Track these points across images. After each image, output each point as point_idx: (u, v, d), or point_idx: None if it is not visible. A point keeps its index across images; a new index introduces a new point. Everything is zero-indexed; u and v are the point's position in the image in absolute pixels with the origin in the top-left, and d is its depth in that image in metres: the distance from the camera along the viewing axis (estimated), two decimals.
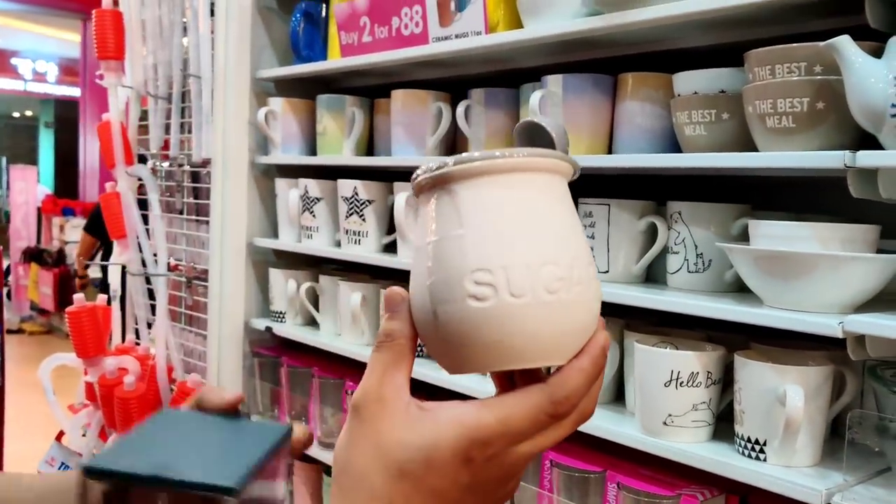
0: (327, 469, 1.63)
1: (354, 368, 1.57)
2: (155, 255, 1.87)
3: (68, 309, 1.78)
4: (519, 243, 0.48)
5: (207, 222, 1.79)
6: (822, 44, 0.85)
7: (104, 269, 2.07)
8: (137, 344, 1.97)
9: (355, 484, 0.49)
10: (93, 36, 1.88)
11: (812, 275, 0.88)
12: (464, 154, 0.50)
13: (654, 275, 1.20)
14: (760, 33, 1.04)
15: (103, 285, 3.45)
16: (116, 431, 1.78)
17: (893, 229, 1.03)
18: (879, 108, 0.81)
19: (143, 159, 1.97)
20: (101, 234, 4.44)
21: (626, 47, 1.21)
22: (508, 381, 0.54)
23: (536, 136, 0.58)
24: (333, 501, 0.50)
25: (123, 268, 1.93)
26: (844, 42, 0.83)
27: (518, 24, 1.23)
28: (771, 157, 0.92)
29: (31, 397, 1.93)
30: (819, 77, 0.89)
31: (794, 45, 0.90)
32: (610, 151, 1.21)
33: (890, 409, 0.87)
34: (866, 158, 0.83)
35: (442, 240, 0.50)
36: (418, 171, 0.52)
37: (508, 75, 1.40)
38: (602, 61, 1.27)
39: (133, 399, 1.72)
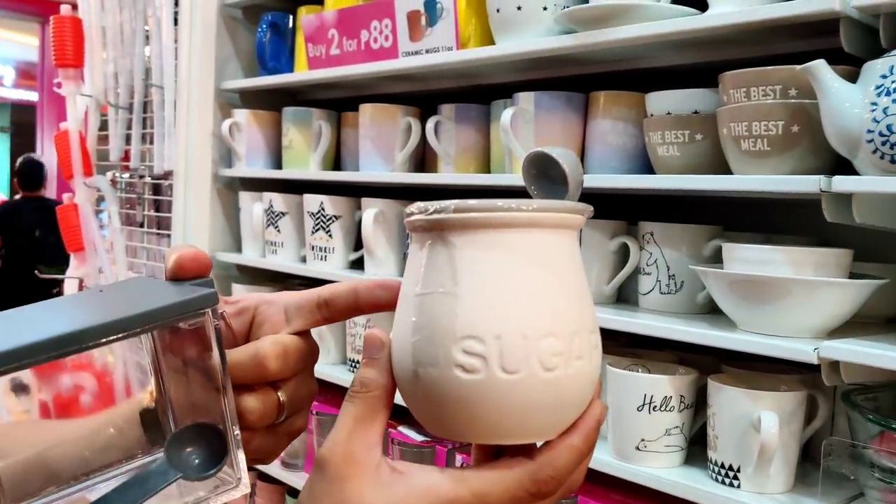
0: (290, 490, 1.59)
1: (320, 387, 1.53)
2: (114, 268, 1.82)
3: None
4: (517, 311, 0.42)
5: (169, 236, 1.74)
6: (797, 67, 0.84)
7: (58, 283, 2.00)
8: (95, 360, 1.90)
9: None
10: (51, 42, 1.83)
11: (786, 299, 0.87)
12: (467, 202, 0.43)
13: (625, 295, 1.19)
14: (734, 54, 1.03)
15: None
16: None
17: (864, 251, 1.04)
18: (855, 134, 0.80)
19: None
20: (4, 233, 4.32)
21: (598, 65, 1.20)
22: (493, 446, 0.50)
23: (547, 169, 0.52)
24: None
25: (81, 281, 1.87)
26: (820, 66, 0.82)
27: (490, 40, 1.22)
28: (746, 181, 0.91)
29: None
30: (794, 101, 0.88)
31: (770, 67, 0.90)
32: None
33: (863, 436, 0.87)
34: (842, 184, 0.82)
35: (431, 295, 0.44)
36: (413, 209, 0.46)
37: (479, 91, 1.38)
38: (574, 79, 1.26)
39: None
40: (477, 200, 0.43)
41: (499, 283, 0.43)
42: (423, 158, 1.52)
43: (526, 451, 0.46)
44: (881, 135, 0.78)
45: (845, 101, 0.81)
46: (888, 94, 0.78)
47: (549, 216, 0.44)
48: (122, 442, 0.52)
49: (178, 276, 0.48)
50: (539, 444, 0.46)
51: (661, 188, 1.02)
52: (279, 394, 0.51)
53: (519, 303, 0.43)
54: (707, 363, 1.09)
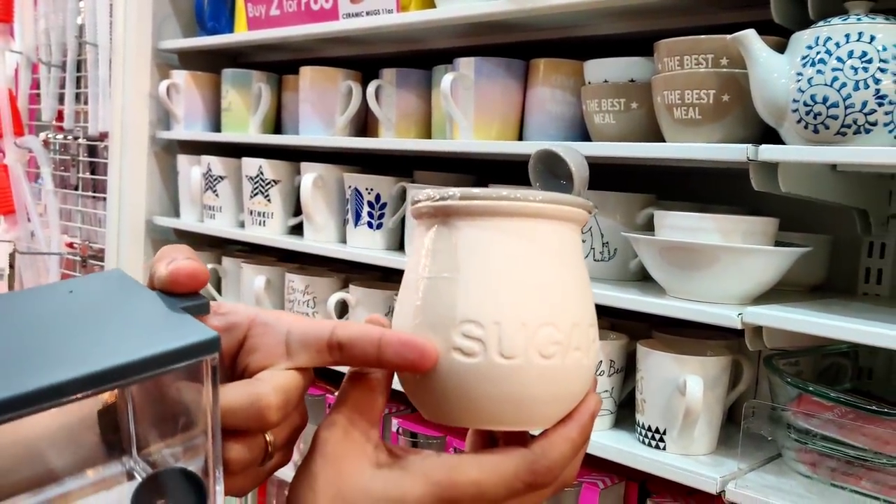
0: None
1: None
2: (47, 231, 1.77)
3: None
4: (517, 299, 0.43)
5: (104, 199, 1.70)
6: (728, 37, 0.85)
7: None
8: None
9: None
10: None
11: (714, 266, 0.89)
12: (473, 189, 0.44)
13: None
14: (671, 23, 1.04)
15: None
16: None
17: (793, 221, 1.06)
18: (781, 103, 0.82)
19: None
20: None
21: (538, 32, 1.20)
22: (488, 434, 0.50)
23: (553, 165, 0.51)
24: None
25: (13, 246, 1.82)
26: (749, 36, 0.83)
27: (431, 3, 1.21)
28: (676, 149, 0.92)
29: None
30: (725, 70, 0.89)
31: (703, 37, 0.91)
32: (521, 138, 1.20)
33: (783, 399, 0.89)
34: (768, 153, 0.84)
35: (433, 279, 0.44)
36: (420, 196, 0.46)
37: (422, 56, 1.37)
38: (516, 46, 1.25)
39: None
40: (483, 189, 0.44)
41: (500, 269, 0.43)
42: (366, 123, 1.50)
43: (520, 441, 0.46)
44: (805, 104, 0.79)
45: (773, 72, 0.82)
46: (813, 64, 0.79)
47: (555, 208, 0.44)
48: (71, 447, 0.42)
49: (170, 290, 0.42)
50: (535, 433, 0.46)
51: (594, 155, 1.02)
52: (267, 435, 0.45)
53: (519, 290, 0.43)
54: (639, 329, 1.11)
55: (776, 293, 0.97)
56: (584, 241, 1.11)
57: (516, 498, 0.44)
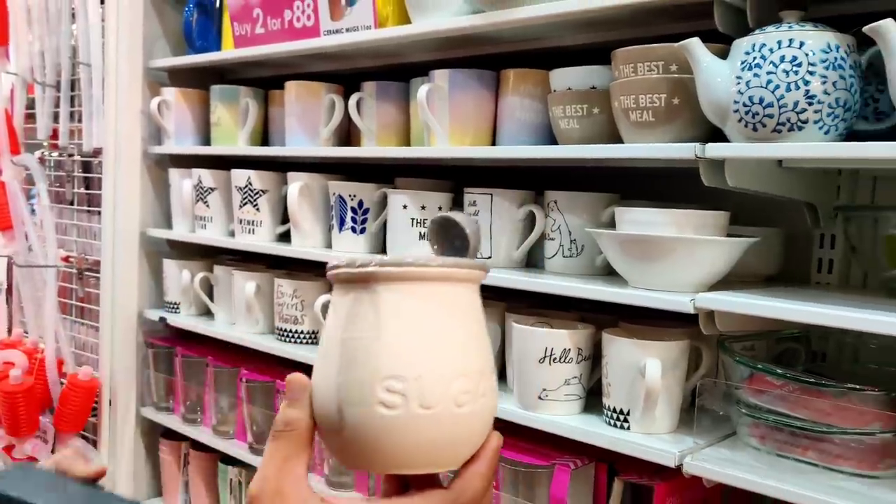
0: (223, 457, 1.64)
1: (249, 357, 1.59)
2: (44, 246, 1.83)
3: None
4: (434, 355, 0.49)
5: (99, 213, 1.77)
6: (676, 45, 0.93)
7: None
8: (26, 337, 1.92)
9: None
10: None
11: (669, 257, 0.96)
12: (390, 257, 0.50)
13: (534, 260, 1.27)
14: (628, 34, 1.11)
15: None
16: (3, 426, 1.73)
17: (751, 216, 1.14)
18: (724, 105, 0.89)
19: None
20: None
21: (508, 45, 1.27)
22: (401, 479, 0.55)
23: (450, 230, 0.59)
24: None
25: (10, 260, 1.88)
26: (694, 44, 0.91)
27: (407, 20, 1.28)
28: (630, 149, 1.00)
29: None
30: (675, 75, 0.97)
31: (653, 45, 0.98)
32: (494, 144, 1.27)
33: (737, 379, 0.96)
34: (714, 150, 0.91)
35: (356, 339, 0.49)
36: (337, 263, 0.52)
37: (400, 69, 1.44)
38: (488, 58, 1.33)
39: (19, 393, 1.68)
40: (397, 256, 0.52)
41: (417, 328, 0.49)
42: (349, 134, 1.57)
43: (431, 482, 0.52)
44: (745, 105, 0.87)
45: (716, 76, 0.90)
46: (750, 68, 0.87)
47: (461, 272, 0.51)
48: None
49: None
50: (446, 473, 0.52)
51: (558, 157, 1.10)
52: None
53: (436, 346, 0.49)
54: (608, 321, 1.18)
55: (733, 283, 1.05)
56: (553, 239, 1.18)
57: None
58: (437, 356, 0.49)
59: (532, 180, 1.33)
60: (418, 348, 0.49)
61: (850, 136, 0.90)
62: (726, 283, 1.03)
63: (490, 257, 1.22)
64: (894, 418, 0.87)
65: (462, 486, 0.51)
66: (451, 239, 0.59)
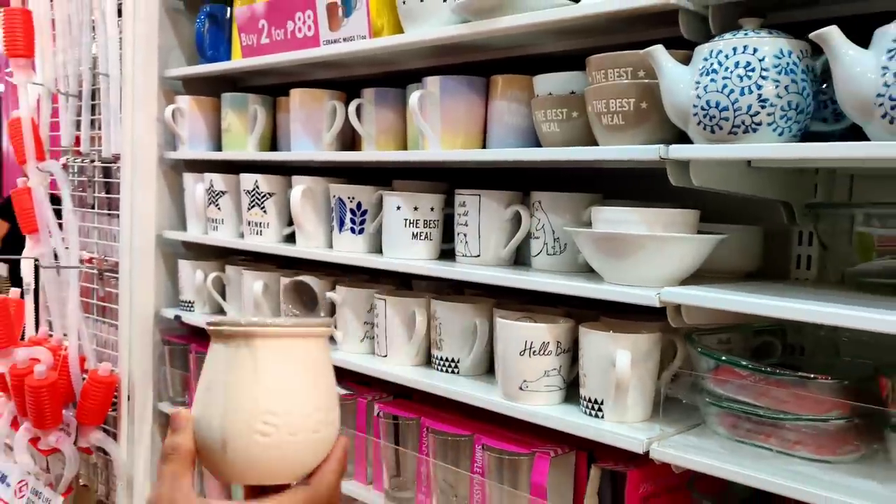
0: None
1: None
2: (67, 248, 1.92)
3: None
4: (299, 396, 0.66)
5: (118, 216, 1.85)
6: (641, 52, 0.98)
7: (15, 263, 2.11)
8: (51, 335, 2.01)
9: None
10: (1, 33, 1.92)
11: (639, 253, 1.01)
12: (265, 319, 0.67)
13: (523, 258, 1.32)
14: (609, 40, 1.16)
15: (14, 278, 3.45)
16: (29, 419, 1.82)
17: (732, 214, 1.18)
18: (685, 108, 0.94)
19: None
20: (12, 218, 4.37)
21: (497, 52, 1.33)
22: (261, 487, 0.68)
23: (301, 291, 0.78)
24: None
25: (36, 261, 1.97)
26: (658, 51, 0.96)
27: (400, 30, 1.34)
28: (599, 151, 1.05)
29: None
30: (642, 81, 1.02)
31: (622, 52, 1.03)
32: (485, 147, 1.32)
33: (701, 370, 1.01)
34: (677, 151, 0.96)
35: (238, 383, 0.64)
36: (218, 321, 0.67)
37: (399, 76, 1.51)
38: (481, 64, 1.38)
39: (44, 388, 1.77)
40: (268, 319, 0.68)
41: (286, 374, 0.66)
42: (353, 139, 1.64)
43: (286, 486, 0.67)
44: (703, 109, 0.92)
45: (678, 81, 0.95)
46: (708, 74, 0.91)
47: (314, 329, 0.68)
48: None
49: None
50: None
51: (535, 159, 1.15)
52: None
53: (299, 388, 0.66)
54: (591, 316, 1.23)
55: (709, 278, 1.09)
56: (538, 238, 1.23)
57: None
58: (301, 396, 0.66)
59: (522, 181, 1.38)
60: (287, 390, 0.65)
61: (808, 136, 0.94)
62: (702, 278, 1.07)
63: (479, 255, 1.28)
64: (850, 406, 0.91)
65: (319, 480, 0.67)
66: (302, 297, 0.77)
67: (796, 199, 1.17)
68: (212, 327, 0.67)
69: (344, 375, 1.48)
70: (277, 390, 0.64)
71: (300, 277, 0.72)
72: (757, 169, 1.07)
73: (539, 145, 1.24)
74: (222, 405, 0.64)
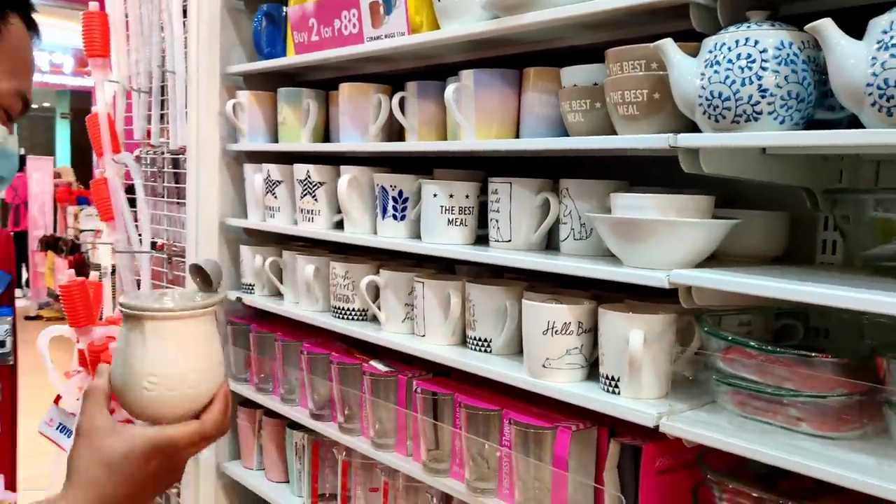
0: (290, 423, 1.82)
1: (312, 332, 1.76)
2: (140, 234, 2.07)
3: (60, 284, 1.98)
4: (177, 362, 0.85)
5: (185, 204, 1.98)
6: (652, 45, 1.02)
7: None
8: None
9: (84, 476, 0.80)
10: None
11: (652, 238, 1.05)
12: (151, 304, 0.85)
13: (554, 243, 1.38)
14: (626, 34, 1.21)
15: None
16: None
17: (762, 199, 1.21)
18: (691, 98, 0.98)
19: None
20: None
21: (528, 45, 1.38)
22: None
23: (202, 271, 0.94)
24: (76, 491, 0.79)
25: (112, 246, 2.12)
26: (667, 44, 1.00)
27: (438, 25, 1.41)
28: (613, 140, 1.10)
29: (46, 377, 2.16)
30: (655, 72, 1.06)
31: (636, 45, 1.08)
32: (518, 137, 1.38)
33: (711, 349, 1.05)
34: (685, 140, 1.00)
35: (131, 351, 0.85)
36: (124, 303, 0.86)
37: (442, 69, 1.57)
38: (515, 58, 1.44)
39: None
40: (157, 301, 0.87)
41: (167, 345, 0.85)
42: (401, 129, 1.71)
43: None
44: (707, 99, 0.96)
45: (685, 73, 0.99)
46: (712, 65, 0.95)
47: (196, 312, 0.87)
48: None
49: None
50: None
51: (558, 148, 1.21)
52: None
53: (177, 356, 0.85)
54: (618, 300, 1.28)
55: (733, 263, 1.13)
56: (566, 223, 1.29)
57: (195, 444, 0.85)
58: (178, 362, 0.85)
59: (557, 169, 1.44)
60: (166, 359, 0.84)
61: (813, 124, 0.97)
62: (725, 262, 1.11)
63: (510, 240, 1.34)
64: (853, 384, 0.94)
65: (206, 417, 0.86)
66: (205, 276, 0.94)
67: (818, 185, 1.19)
68: (120, 309, 0.87)
69: (387, 354, 1.56)
70: (158, 359, 0.84)
71: (198, 262, 0.94)
72: (772, 156, 1.10)
73: (566, 133, 1.29)
74: (123, 365, 0.85)
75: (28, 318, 7.34)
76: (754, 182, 1.12)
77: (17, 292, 4.17)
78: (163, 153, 2.11)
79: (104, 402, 0.85)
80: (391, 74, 1.70)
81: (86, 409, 0.84)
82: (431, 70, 1.62)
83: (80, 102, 13.75)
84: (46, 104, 15.64)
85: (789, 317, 1.20)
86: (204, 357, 0.87)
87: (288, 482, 1.88)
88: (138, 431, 0.82)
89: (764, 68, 0.92)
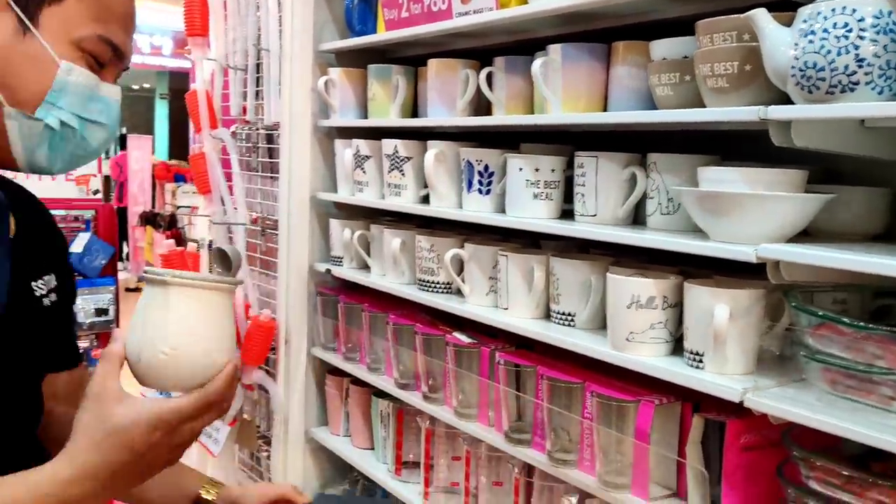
0: (376, 391, 1.87)
1: (398, 304, 1.80)
2: (235, 207, 2.14)
3: (161, 253, 2.08)
4: (195, 331, 0.87)
5: (278, 178, 2.05)
6: (744, 15, 1.01)
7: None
8: None
9: (88, 438, 0.83)
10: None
11: (738, 211, 1.04)
12: (179, 272, 0.88)
13: (641, 218, 1.37)
14: (717, 6, 1.18)
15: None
16: None
17: (870, 176, 1.17)
18: (783, 69, 0.96)
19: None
20: None
21: (616, 19, 1.38)
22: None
23: (225, 255, 0.99)
24: (83, 454, 0.82)
25: (209, 218, 2.21)
26: (759, 14, 0.98)
27: (526, 0, 1.41)
28: (700, 113, 1.09)
29: None
30: (746, 44, 1.04)
31: (727, 16, 1.06)
32: (606, 111, 1.38)
33: (799, 325, 1.03)
34: (777, 112, 0.98)
35: (154, 315, 0.87)
36: (148, 269, 0.89)
37: (530, 45, 1.58)
38: (604, 32, 1.43)
39: None
40: (184, 272, 0.89)
41: (188, 315, 0.87)
42: (488, 105, 1.73)
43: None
44: (800, 70, 0.94)
45: (779, 44, 0.97)
46: (806, 35, 0.93)
47: (211, 284, 0.89)
48: None
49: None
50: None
51: (646, 122, 1.21)
52: None
53: (199, 326, 0.87)
54: (706, 276, 1.26)
55: (831, 239, 1.10)
56: (653, 198, 1.28)
57: (201, 415, 0.87)
58: (197, 332, 0.87)
59: (646, 144, 1.43)
60: (187, 326, 0.86)
61: None
62: (822, 238, 1.09)
63: (595, 215, 1.34)
64: None
65: (213, 386, 0.88)
66: (226, 260, 0.98)
67: None
68: (144, 274, 0.90)
69: (470, 326, 1.59)
70: (180, 325, 0.86)
71: (221, 246, 0.98)
72: (871, 129, 1.07)
73: (654, 106, 1.28)
74: (141, 331, 0.87)
75: (128, 290, 7.69)
76: (856, 157, 1.09)
77: (118, 265, 4.40)
78: (257, 129, 2.17)
79: (118, 368, 0.87)
80: (480, 50, 1.72)
81: (99, 372, 0.86)
82: (520, 45, 1.62)
83: (179, 83, 14.25)
84: (147, 85, 16.26)
85: (889, 296, 1.17)
86: (222, 331, 0.89)
87: (373, 449, 1.93)
88: (147, 402, 0.85)
89: (861, 37, 0.89)
